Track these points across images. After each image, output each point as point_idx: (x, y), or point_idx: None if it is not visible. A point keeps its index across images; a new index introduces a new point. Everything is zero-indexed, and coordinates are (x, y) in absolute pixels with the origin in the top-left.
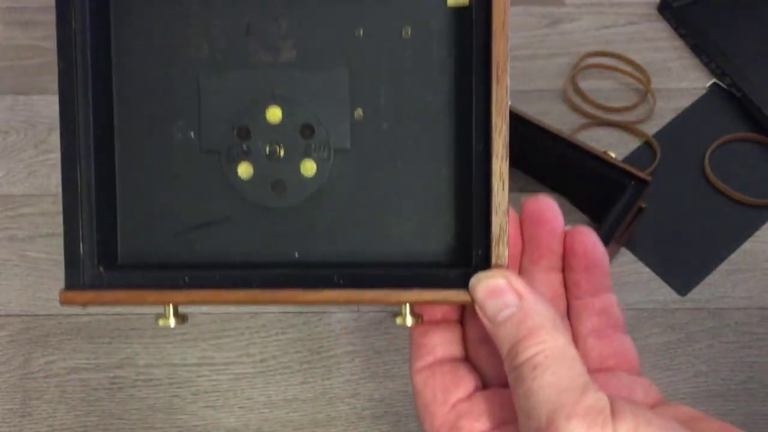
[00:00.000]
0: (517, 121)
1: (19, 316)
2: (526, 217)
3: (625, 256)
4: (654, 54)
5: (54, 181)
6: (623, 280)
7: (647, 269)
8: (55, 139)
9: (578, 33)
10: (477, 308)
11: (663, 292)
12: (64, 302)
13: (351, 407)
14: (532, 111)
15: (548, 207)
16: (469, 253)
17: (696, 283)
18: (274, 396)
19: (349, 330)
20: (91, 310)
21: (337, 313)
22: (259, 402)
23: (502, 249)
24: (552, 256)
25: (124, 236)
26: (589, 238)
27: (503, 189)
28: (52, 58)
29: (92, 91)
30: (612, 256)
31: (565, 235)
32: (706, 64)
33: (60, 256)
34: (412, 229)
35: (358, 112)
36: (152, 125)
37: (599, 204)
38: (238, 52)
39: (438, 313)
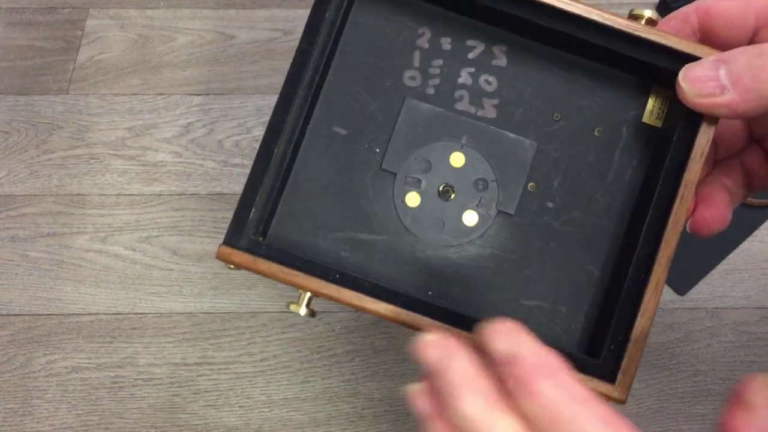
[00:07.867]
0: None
1: (20, 315)
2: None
3: None
4: None
5: (55, 181)
6: None
7: None
8: (56, 139)
9: None
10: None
11: (662, 292)
12: (220, 257)
13: (351, 406)
14: None
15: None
16: (598, 346)
17: (695, 283)
18: (275, 395)
19: (349, 329)
20: (92, 309)
21: (338, 313)
22: (260, 401)
23: (636, 351)
24: None
25: (279, 219)
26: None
27: (656, 296)
28: (53, 58)
29: (311, 78)
30: None
31: None
32: None
33: (60, 256)
34: (545, 307)
35: (532, 185)
36: (343, 132)
37: None
38: (447, 94)
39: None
